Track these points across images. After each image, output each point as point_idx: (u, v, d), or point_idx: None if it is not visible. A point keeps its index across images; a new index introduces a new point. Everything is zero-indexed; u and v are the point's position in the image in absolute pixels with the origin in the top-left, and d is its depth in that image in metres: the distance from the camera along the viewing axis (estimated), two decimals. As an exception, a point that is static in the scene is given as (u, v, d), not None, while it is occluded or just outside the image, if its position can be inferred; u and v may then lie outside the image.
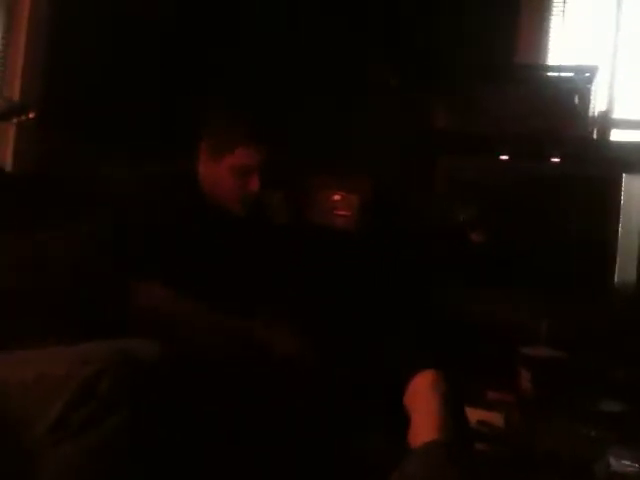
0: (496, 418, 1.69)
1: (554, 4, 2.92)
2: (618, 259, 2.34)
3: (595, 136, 2.59)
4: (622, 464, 1.50)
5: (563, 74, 2.60)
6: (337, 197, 2.82)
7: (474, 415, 1.62)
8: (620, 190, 2.36)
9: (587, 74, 2.53)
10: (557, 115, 2.51)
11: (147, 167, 1.78)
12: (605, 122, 2.65)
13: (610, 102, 2.79)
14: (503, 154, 2.53)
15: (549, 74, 2.68)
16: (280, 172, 1.80)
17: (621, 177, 2.36)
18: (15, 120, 1.93)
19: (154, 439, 1.17)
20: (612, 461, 1.51)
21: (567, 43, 2.91)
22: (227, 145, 1.71)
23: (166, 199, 1.70)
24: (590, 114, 2.54)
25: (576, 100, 2.51)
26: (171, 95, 2.82)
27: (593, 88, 2.54)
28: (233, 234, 1.79)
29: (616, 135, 2.77)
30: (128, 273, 1.60)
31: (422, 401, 1.31)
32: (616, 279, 2.34)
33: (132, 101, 2.60)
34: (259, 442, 1.36)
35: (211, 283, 1.68)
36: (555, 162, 2.49)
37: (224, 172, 1.73)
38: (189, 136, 1.78)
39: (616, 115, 2.79)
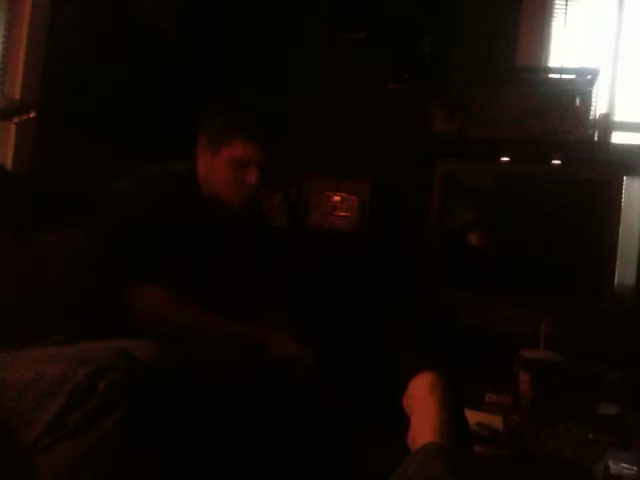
0: (495, 420, 1.69)
1: (556, 6, 2.92)
2: (618, 262, 2.34)
3: (596, 138, 2.59)
4: (620, 466, 1.50)
5: (564, 76, 2.60)
6: (337, 198, 2.82)
7: (473, 417, 1.62)
8: (621, 193, 2.36)
9: (588, 76, 2.53)
10: (558, 117, 2.51)
11: (146, 166, 1.78)
12: (606, 124, 2.65)
13: (611, 105, 2.80)
14: (504, 156, 2.53)
15: (550, 76, 2.68)
16: (279, 168, 1.79)
17: (622, 180, 2.36)
18: (16, 120, 1.91)
19: (152, 439, 1.17)
20: (610, 464, 1.50)
21: (568, 45, 2.92)
22: (226, 137, 1.70)
23: (165, 198, 1.70)
24: (591, 116, 2.54)
25: (577, 102, 2.51)
26: (171, 91, 2.82)
27: (594, 90, 2.54)
28: (232, 236, 1.79)
29: (617, 138, 2.77)
30: (127, 273, 1.60)
31: (421, 403, 1.31)
32: (616, 282, 2.34)
33: (131, 100, 2.60)
34: (257, 443, 1.36)
35: (210, 284, 1.68)
36: (556, 164, 2.49)
37: (222, 164, 1.72)
38: (188, 134, 1.77)
39: (617, 118, 2.79)
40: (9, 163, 2.21)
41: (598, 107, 2.63)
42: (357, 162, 2.91)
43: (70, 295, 1.49)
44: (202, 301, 1.61)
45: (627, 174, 2.38)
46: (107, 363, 1.13)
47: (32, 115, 1.87)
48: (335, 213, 2.81)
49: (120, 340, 1.24)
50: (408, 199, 2.84)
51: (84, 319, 1.47)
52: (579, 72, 2.57)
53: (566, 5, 2.91)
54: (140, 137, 2.53)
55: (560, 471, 1.50)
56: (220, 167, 1.72)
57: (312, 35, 3.12)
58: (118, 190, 1.75)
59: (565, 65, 2.86)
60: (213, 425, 1.31)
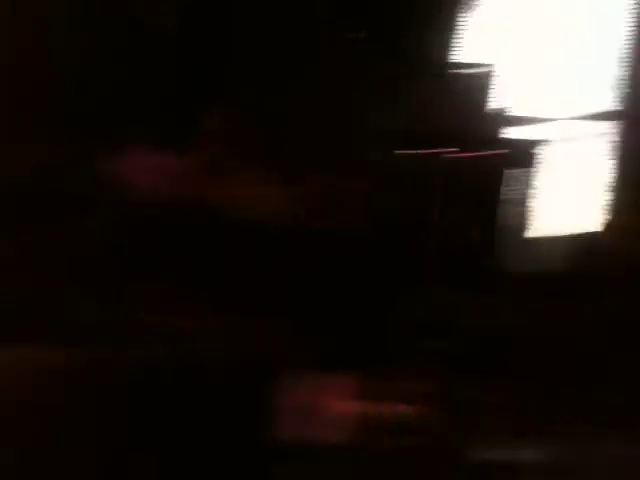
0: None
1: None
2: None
3: (495, 133, 2.62)
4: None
5: (468, 71, 2.63)
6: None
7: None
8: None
9: (489, 70, 2.57)
10: (461, 112, 2.54)
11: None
12: (505, 119, 2.68)
13: (511, 99, 2.80)
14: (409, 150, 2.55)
15: (454, 71, 2.70)
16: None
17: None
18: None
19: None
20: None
21: (473, 39, 2.91)
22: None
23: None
24: (493, 111, 2.58)
25: (480, 97, 2.55)
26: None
27: (497, 85, 2.58)
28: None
29: (515, 132, 2.78)
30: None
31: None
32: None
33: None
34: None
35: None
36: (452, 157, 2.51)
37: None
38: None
39: (517, 112, 2.80)
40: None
41: (500, 102, 2.65)
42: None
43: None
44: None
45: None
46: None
47: None
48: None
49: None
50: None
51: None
52: (482, 66, 2.61)
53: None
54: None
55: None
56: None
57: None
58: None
59: (470, 59, 2.86)
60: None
